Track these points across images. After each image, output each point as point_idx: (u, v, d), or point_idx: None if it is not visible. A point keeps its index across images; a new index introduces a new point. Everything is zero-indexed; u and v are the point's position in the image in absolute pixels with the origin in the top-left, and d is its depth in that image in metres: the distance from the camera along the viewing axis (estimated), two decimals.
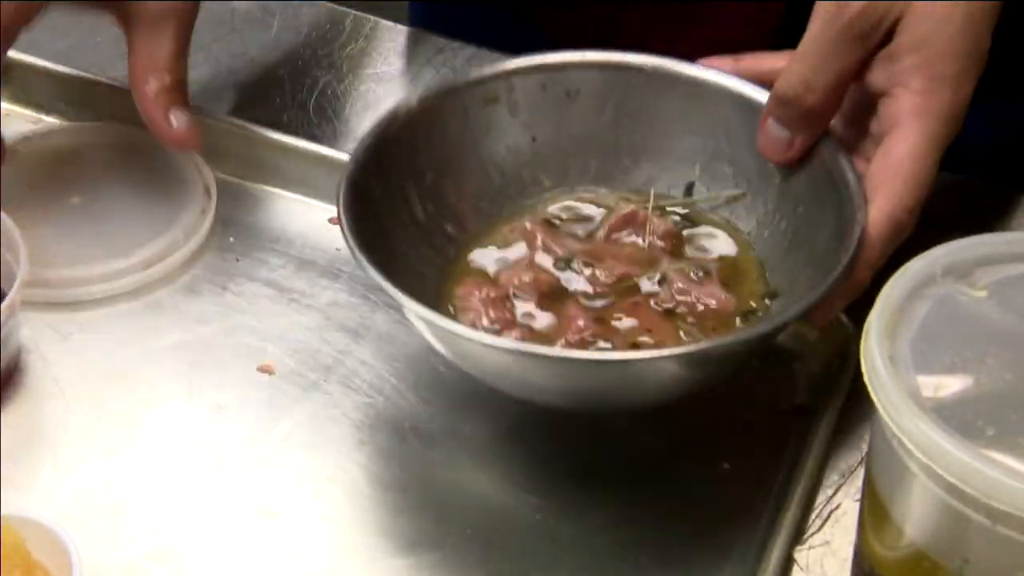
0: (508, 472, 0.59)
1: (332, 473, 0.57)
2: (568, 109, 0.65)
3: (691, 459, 0.60)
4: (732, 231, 0.64)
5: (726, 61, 0.64)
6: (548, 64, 0.66)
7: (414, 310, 0.51)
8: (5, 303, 0.56)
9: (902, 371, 0.41)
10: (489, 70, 0.67)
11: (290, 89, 0.82)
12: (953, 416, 0.40)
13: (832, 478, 0.56)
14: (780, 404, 0.60)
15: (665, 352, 0.51)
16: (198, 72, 0.78)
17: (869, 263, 0.54)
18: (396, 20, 0.91)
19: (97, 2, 0.71)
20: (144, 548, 0.54)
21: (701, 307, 0.59)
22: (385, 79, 0.84)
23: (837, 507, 0.54)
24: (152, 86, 0.68)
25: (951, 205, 0.69)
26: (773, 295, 0.59)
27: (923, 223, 0.55)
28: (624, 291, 0.60)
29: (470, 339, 0.51)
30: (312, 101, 0.80)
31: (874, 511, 0.46)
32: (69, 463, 0.57)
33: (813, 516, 0.54)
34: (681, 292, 0.59)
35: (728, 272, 0.61)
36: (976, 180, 0.75)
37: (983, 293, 0.44)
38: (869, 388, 0.41)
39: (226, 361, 0.63)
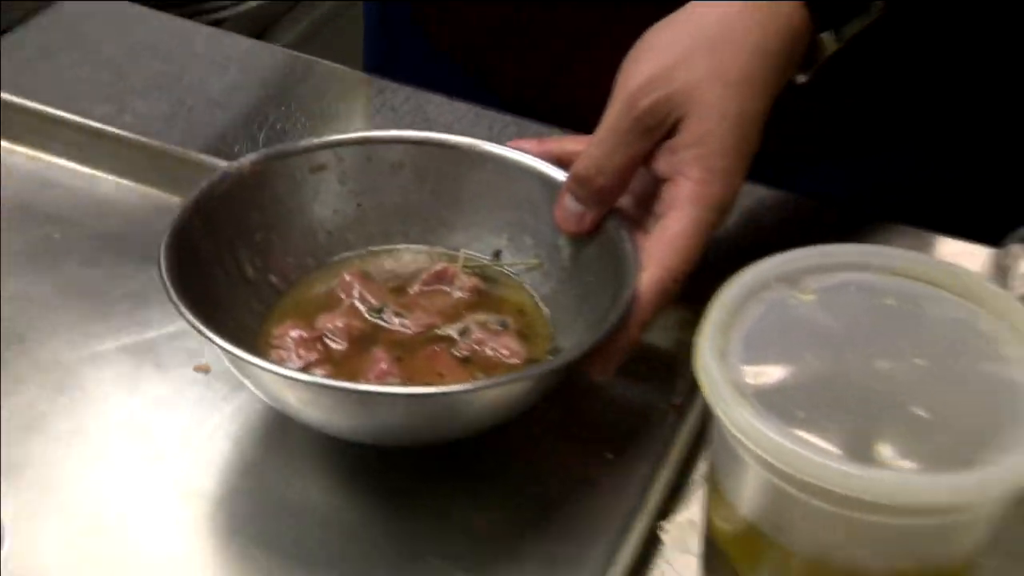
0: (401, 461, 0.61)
1: (255, 459, 0.59)
2: (392, 180, 0.68)
3: (578, 452, 0.62)
4: (530, 293, 0.67)
5: (532, 143, 0.68)
6: (374, 138, 0.69)
7: (217, 343, 0.51)
8: None
9: (730, 364, 0.43)
10: (319, 140, 0.69)
11: (243, 124, 0.83)
12: (771, 403, 0.41)
13: (700, 466, 0.58)
14: (661, 403, 0.63)
15: (426, 390, 0.55)
16: (159, 108, 0.81)
17: (639, 322, 0.58)
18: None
19: None
20: (81, 524, 0.55)
21: (494, 356, 0.62)
22: (330, 117, 0.85)
23: (701, 490, 0.56)
24: None
25: (789, 222, 0.73)
26: (556, 350, 0.62)
27: (762, 238, 0.60)
28: (428, 339, 0.63)
29: (261, 369, 0.52)
30: (262, 135, 0.81)
31: (714, 490, 0.48)
32: (16, 447, 0.58)
33: (680, 498, 0.57)
34: (479, 342, 0.62)
35: (523, 328, 0.64)
36: (812, 200, 0.79)
37: (811, 297, 0.47)
38: (698, 378, 0.43)
39: (166, 362, 0.64)
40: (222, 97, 0.85)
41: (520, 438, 0.61)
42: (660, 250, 0.58)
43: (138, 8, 0.96)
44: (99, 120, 0.79)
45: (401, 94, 0.85)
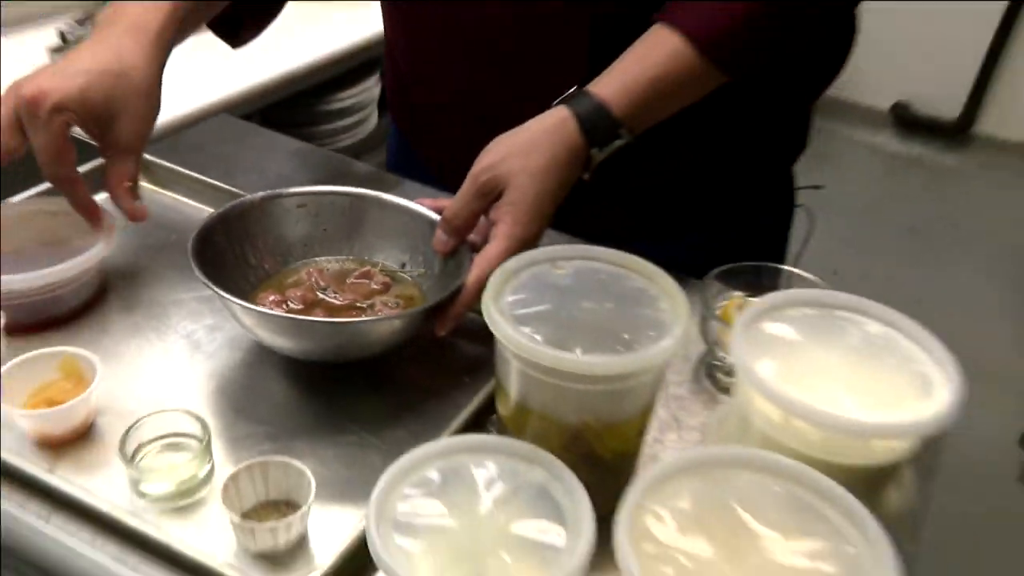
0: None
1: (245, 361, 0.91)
2: (342, 216, 0.99)
3: (446, 374, 0.90)
4: (419, 287, 0.97)
5: (427, 201, 0.98)
6: (332, 191, 1.00)
7: (225, 296, 0.81)
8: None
9: (501, 304, 0.70)
10: (301, 189, 0.99)
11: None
12: (521, 323, 0.67)
13: None
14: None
15: (331, 320, 0.88)
16: (243, 178, 1.17)
17: (465, 300, 0.86)
18: None
19: (88, 131, 0.94)
20: (151, 391, 0.86)
21: None
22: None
23: None
24: (123, 188, 0.95)
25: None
26: None
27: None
28: (351, 307, 0.93)
29: (247, 309, 0.81)
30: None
31: (498, 386, 0.73)
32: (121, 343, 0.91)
33: None
34: (379, 311, 0.92)
35: (405, 304, 0.94)
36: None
37: (560, 271, 0.75)
38: (484, 312, 0.68)
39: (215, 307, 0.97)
40: (280, 179, 1.19)
41: (414, 367, 0.91)
42: (481, 262, 0.86)
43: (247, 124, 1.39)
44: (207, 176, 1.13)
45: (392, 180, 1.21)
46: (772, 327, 0.71)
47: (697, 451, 0.63)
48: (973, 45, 3.36)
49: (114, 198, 0.95)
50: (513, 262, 0.75)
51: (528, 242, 0.88)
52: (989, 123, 3.50)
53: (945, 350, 0.67)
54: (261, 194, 0.96)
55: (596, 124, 0.90)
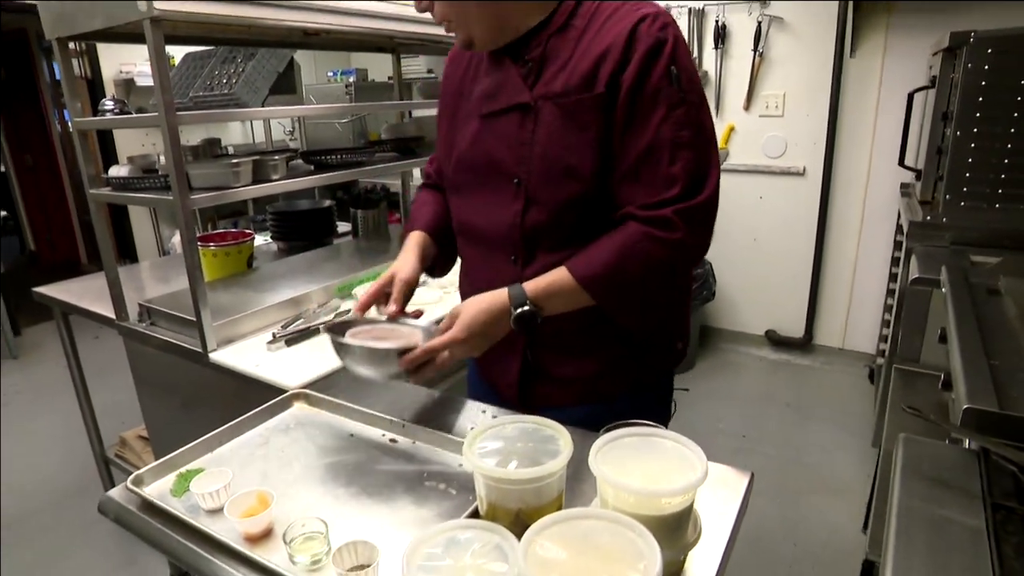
0: None
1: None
2: None
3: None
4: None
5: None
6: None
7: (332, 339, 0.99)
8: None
9: (474, 448, 0.78)
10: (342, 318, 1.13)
11: None
12: (485, 456, 0.76)
13: None
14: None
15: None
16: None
17: (413, 358, 0.97)
18: None
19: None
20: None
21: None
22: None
23: None
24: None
25: None
26: None
27: None
28: None
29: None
30: None
31: (477, 496, 0.81)
32: None
33: None
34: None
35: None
36: None
37: (508, 428, 0.82)
38: (464, 454, 0.77)
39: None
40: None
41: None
42: (433, 341, 0.97)
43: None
44: None
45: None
46: (613, 447, 0.74)
47: (568, 512, 0.66)
48: (802, 294, 3.50)
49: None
50: (481, 427, 0.81)
51: (457, 343, 0.97)
52: (820, 338, 3.54)
53: (701, 452, 0.71)
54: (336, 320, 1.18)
55: (517, 298, 0.97)
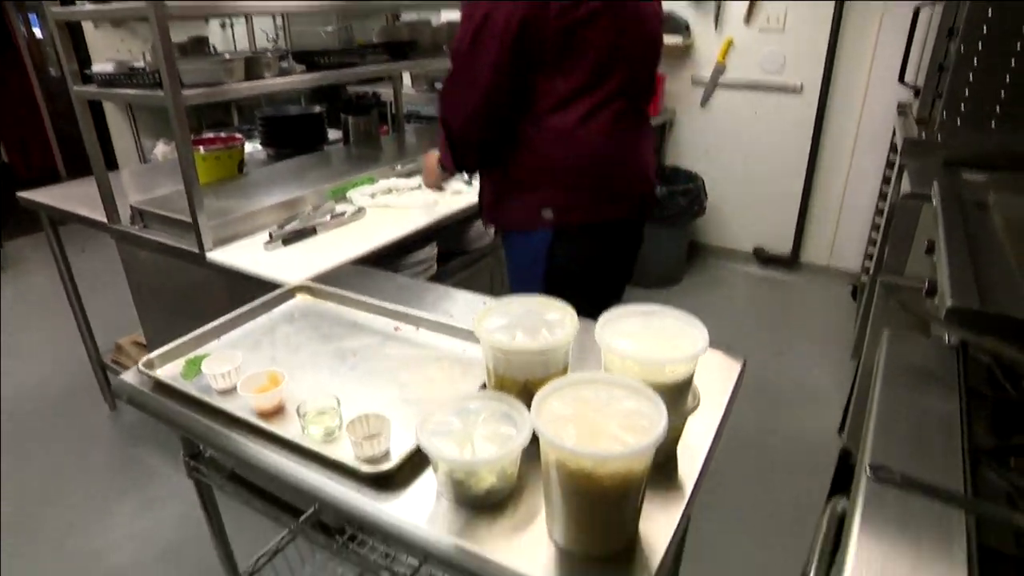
0: None
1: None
2: None
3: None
4: None
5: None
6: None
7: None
8: None
9: (483, 324, 0.81)
10: None
11: None
12: (493, 331, 0.79)
13: None
14: None
15: None
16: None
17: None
18: None
19: None
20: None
21: None
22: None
23: None
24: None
25: None
26: None
27: None
28: None
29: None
30: None
31: (486, 369, 0.84)
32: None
33: None
34: None
35: None
36: None
37: (516, 309, 0.84)
38: (475, 330, 0.80)
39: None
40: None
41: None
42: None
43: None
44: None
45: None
46: (619, 322, 0.76)
47: (577, 375, 0.67)
48: (791, 211, 3.53)
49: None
50: (489, 305, 0.83)
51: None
52: (806, 255, 3.59)
53: (702, 326, 0.73)
54: None
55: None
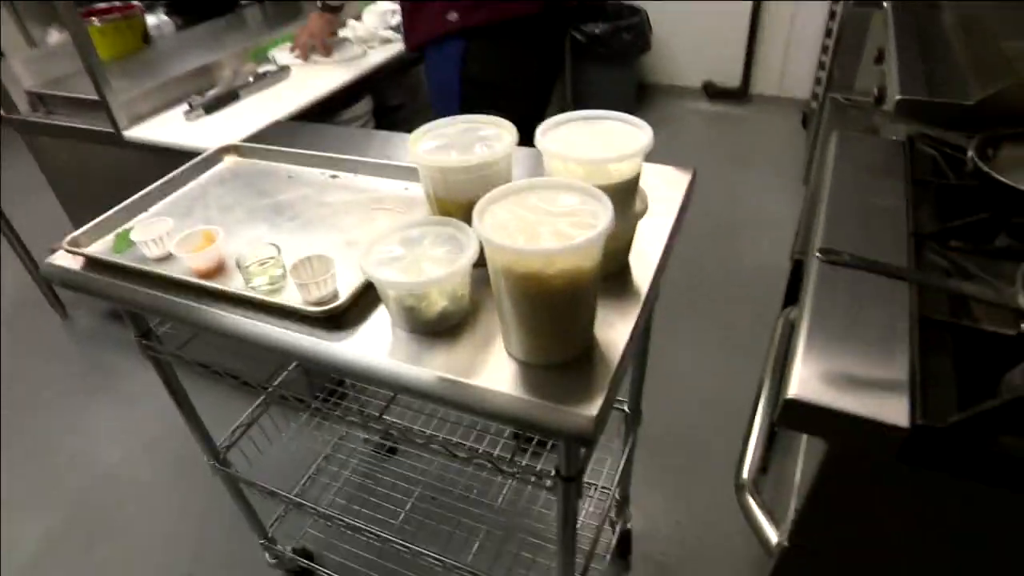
0: None
1: None
2: None
3: None
4: None
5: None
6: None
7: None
8: None
9: (419, 147, 0.76)
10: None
11: None
12: (430, 153, 0.74)
13: None
14: None
15: None
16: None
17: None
18: None
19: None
20: None
21: None
22: None
23: None
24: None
25: None
26: None
27: None
28: None
29: None
30: None
31: (427, 195, 0.80)
32: None
33: None
34: None
35: None
36: None
37: (451, 129, 0.79)
38: (410, 154, 0.75)
39: None
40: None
41: None
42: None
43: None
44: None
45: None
46: (559, 129, 0.73)
47: (518, 182, 0.64)
48: (739, 42, 3.43)
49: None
50: (424, 128, 0.78)
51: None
52: (756, 87, 3.54)
53: (646, 125, 0.71)
54: None
55: None
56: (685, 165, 0.99)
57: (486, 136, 0.77)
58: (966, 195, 0.87)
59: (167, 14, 2.28)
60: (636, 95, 3.49)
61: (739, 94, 3.55)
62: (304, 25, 1.71)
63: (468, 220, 0.69)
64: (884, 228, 0.82)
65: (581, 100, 3.24)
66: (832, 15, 2.84)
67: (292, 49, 1.71)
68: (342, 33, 1.84)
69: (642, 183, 0.75)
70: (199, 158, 1.11)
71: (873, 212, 0.86)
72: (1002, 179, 0.80)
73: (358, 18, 1.91)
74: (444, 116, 0.79)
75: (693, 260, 2.33)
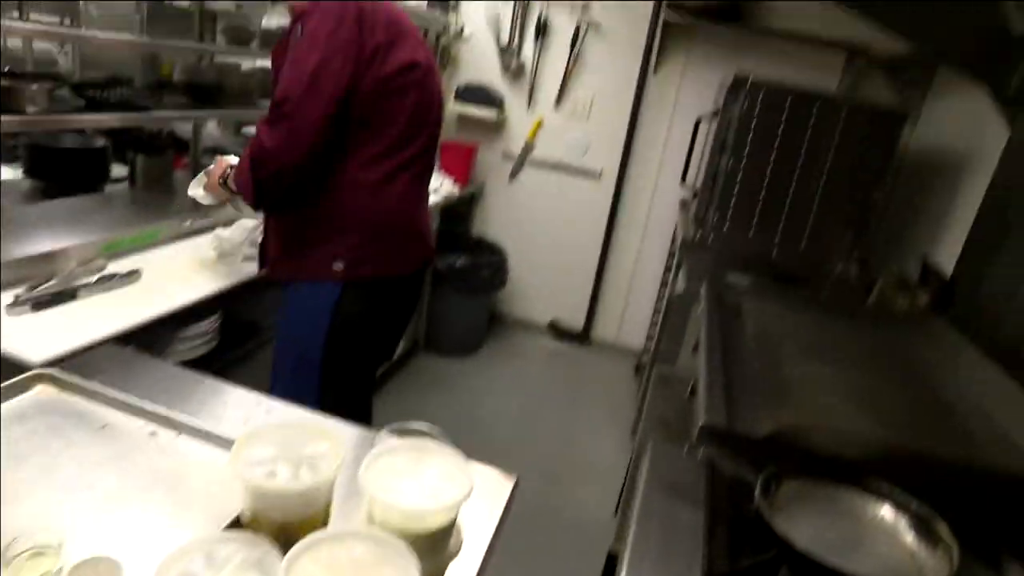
0: None
1: None
2: None
3: None
4: None
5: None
6: None
7: None
8: None
9: (242, 457, 0.76)
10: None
11: None
12: (254, 466, 0.74)
13: None
14: None
15: None
16: None
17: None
18: None
19: None
20: None
21: None
22: None
23: None
24: None
25: None
26: None
27: None
28: None
29: None
30: None
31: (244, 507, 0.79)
32: None
33: None
34: None
35: None
36: None
37: (274, 437, 0.81)
38: (231, 465, 0.75)
39: None
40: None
41: None
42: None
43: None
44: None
45: None
46: (384, 460, 0.76)
47: (331, 531, 0.67)
48: (585, 289, 3.78)
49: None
50: (248, 433, 0.78)
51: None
52: (597, 331, 3.85)
53: (468, 469, 0.75)
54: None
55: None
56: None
57: (312, 455, 0.78)
58: (755, 529, 0.94)
59: (26, 173, 2.17)
60: (488, 324, 3.68)
61: (581, 336, 3.83)
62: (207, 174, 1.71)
63: (280, 539, 0.69)
64: (682, 560, 0.89)
65: (435, 327, 3.37)
66: (664, 283, 3.23)
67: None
68: (207, 239, 1.84)
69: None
70: (5, 384, 1.03)
71: (675, 539, 0.94)
72: (775, 526, 0.88)
73: (226, 225, 1.93)
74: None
75: (521, 511, 2.35)
